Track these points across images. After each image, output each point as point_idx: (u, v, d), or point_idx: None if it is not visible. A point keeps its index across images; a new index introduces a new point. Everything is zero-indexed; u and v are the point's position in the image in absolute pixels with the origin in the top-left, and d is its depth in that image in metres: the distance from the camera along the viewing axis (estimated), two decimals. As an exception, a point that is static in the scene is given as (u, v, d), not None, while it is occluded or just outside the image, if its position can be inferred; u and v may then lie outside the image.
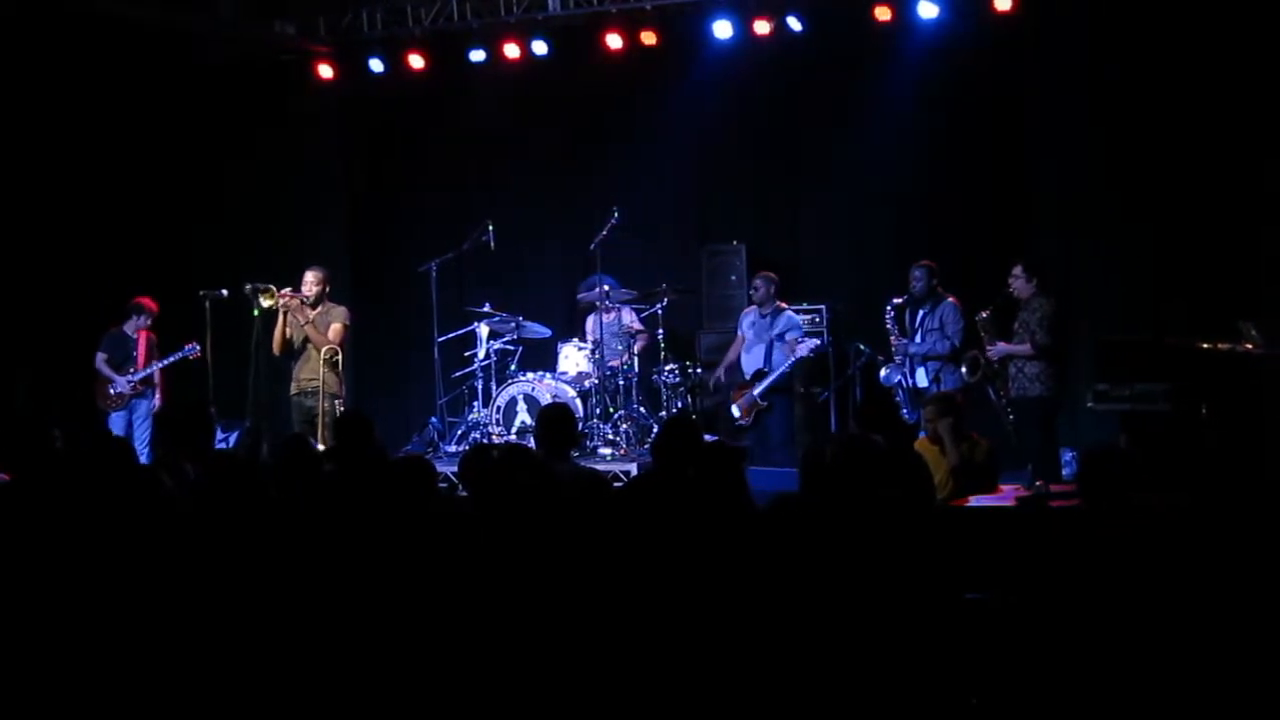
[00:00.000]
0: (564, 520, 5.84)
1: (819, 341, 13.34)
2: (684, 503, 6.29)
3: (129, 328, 13.76)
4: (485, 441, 13.35)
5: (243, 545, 5.85)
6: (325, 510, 6.25)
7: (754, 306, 13.48)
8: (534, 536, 5.64)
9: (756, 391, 13.08)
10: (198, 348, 13.51)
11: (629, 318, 14.32)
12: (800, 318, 13.49)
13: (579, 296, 14.63)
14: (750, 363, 13.33)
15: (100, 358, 13.71)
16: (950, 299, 12.12)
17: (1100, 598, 5.27)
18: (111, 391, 13.64)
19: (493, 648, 5.13)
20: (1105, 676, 4.98)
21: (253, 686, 5.26)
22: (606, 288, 14.02)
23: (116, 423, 13.50)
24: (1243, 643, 5.02)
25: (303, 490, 6.61)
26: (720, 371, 13.70)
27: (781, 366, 13.04)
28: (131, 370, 13.66)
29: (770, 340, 13.21)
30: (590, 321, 14.44)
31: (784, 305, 13.39)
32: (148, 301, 13.81)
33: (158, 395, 13.81)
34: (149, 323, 13.79)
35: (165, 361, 13.66)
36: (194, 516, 6.15)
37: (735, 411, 13.25)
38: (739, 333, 13.59)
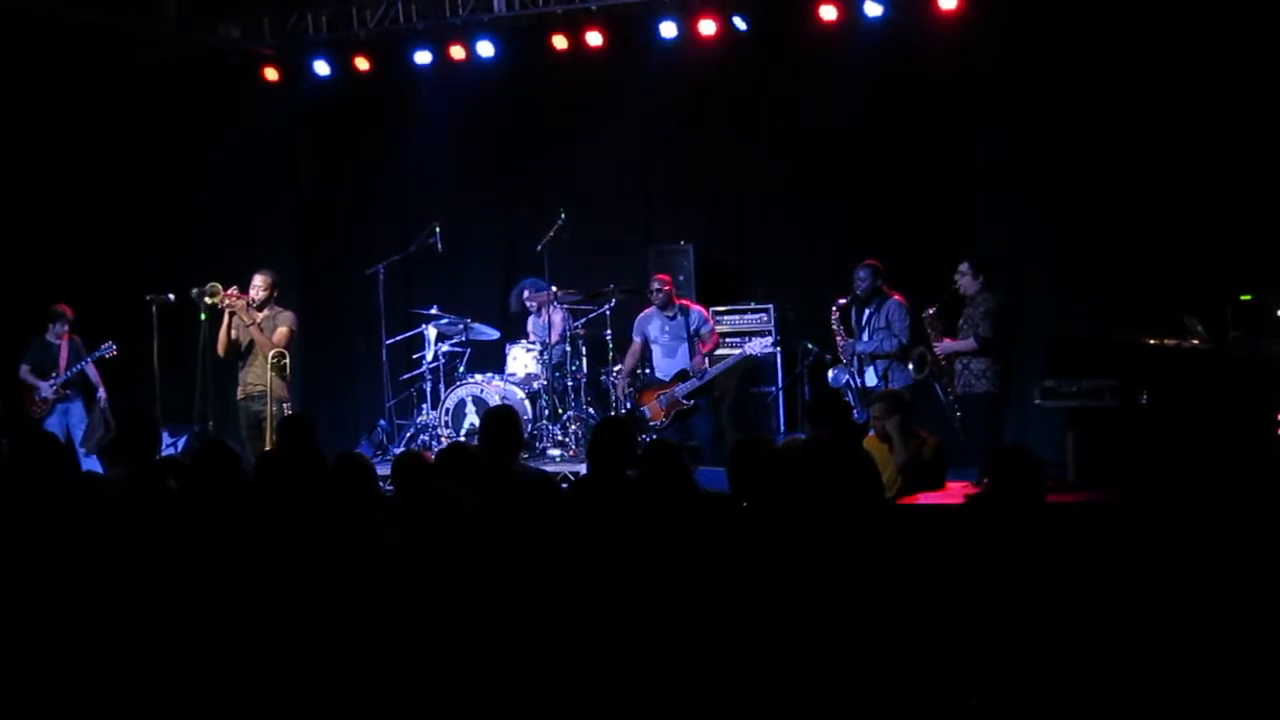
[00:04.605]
0: (508, 521, 5.82)
1: (774, 336, 13.30)
2: (622, 504, 6.27)
3: (51, 335, 13.67)
4: (420, 447, 13.38)
5: (188, 549, 5.83)
6: (246, 512, 6.20)
7: (653, 309, 13.38)
8: (477, 537, 5.62)
9: (680, 391, 13.02)
10: (114, 346, 13.49)
11: (558, 317, 14.23)
12: (708, 315, 13.43)
13: (522, 298, 14.51)
14: (671, 365, 13.21)
15: (24, 368, 13.65)
16: (895, 296, 12.12)
17: (1013, 595, 5.28)
18: (36, 398, 13.56)
19: (436, 650, 5.11)
20: (1040, 673, 5.00)
21: (195, 684, 5.24)
22: (554, 288, 13.99)
23: (52, 429, 13.39)
24: (1173, 637, 5.05)
25: (222, 493, 6.56)
26: (622, 382, 13.57)
27: (720, 366, 13.04)
28: (54, 375, 13.57)
29: (686, 340, 13.16)
30: (530, 323, 14.44)
31: (688, 302, 13.35)
32: (64, 307, 13.72)
33: (102, 391, 13.71)
34: (68, 327, 13.69)
35: (85, 363, 13.58)
36: (133, 518, 6.13)
37: (647, 413, 13.17)
38: (636, 339, 13.48)
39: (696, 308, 13.29)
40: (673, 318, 13.20)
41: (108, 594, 5.57)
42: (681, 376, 13.05)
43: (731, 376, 13.37)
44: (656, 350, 13.33)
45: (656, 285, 13.28)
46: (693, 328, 13.16)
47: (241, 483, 6.70)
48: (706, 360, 13.01)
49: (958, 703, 4.99)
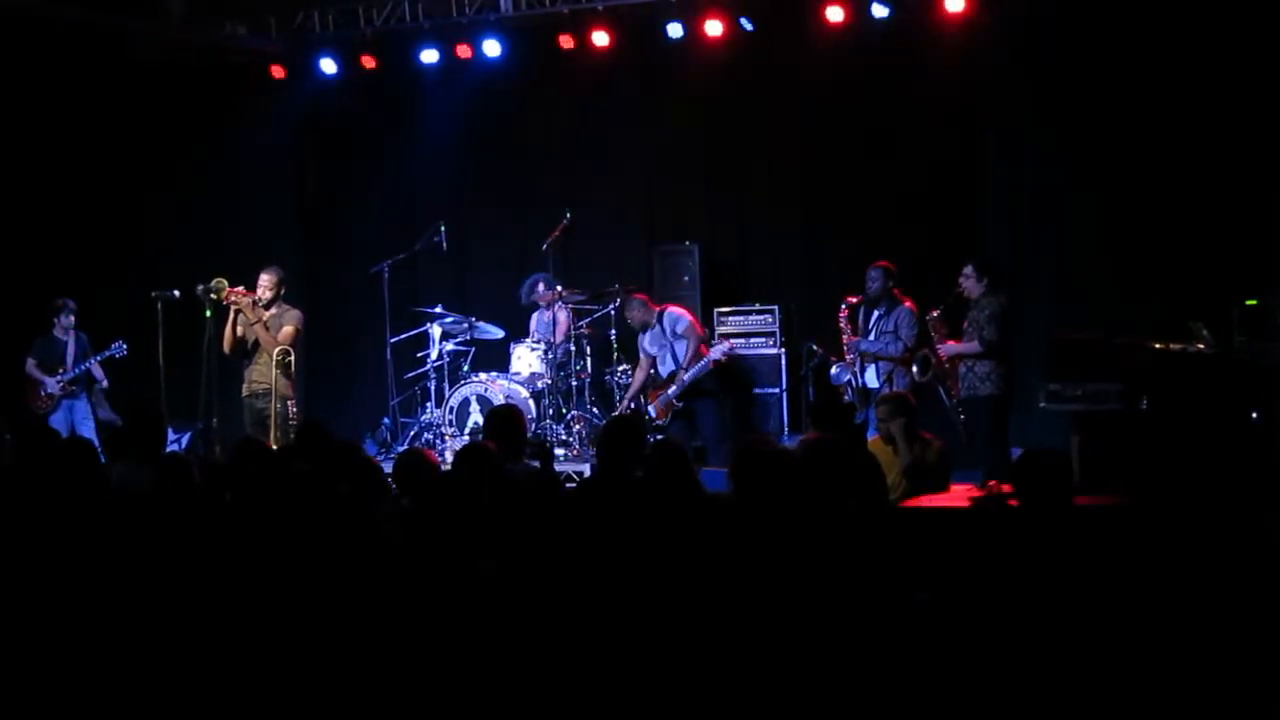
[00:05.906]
0: (515, 521, 5.82)
1: (728, 346, 13.19)
2: (631, 504, 6.26)
3: (58, 330, 13.67)
4: (421, 445, 13.38)
5: (197, 545, 5.83)
6: (294, 510, 6.19)
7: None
8: (484, 537, 5.62)
9: (671, 392, 12.99)
10: (124, 346, 13.49)
11: (563, 316, 14.24)
12: (683, 312, 13.30)
13: (534, 292, 14.48)
14: (663, 370, 13.19)
15: (30, 363, 13.64)
16: (907, 304, 12.01)
17: (1037, 598, 5.27)
18: (42, 394, 13.55)
19: (440, 649, 5.11)
20: (1048, 677, 5.00)
21: (218, 686, 5.25)
22: (560, 288, 13.99)
23: (56, 426, 13.38)
24: (1188, 638, 5.04)
25: (265, 491, 6.54)
26: (627, 403, 13.45)
27: (694, 370, 12.95)
28: (61, 371, 13.57)
29: (669, 342, 13.12)
30: (534, 320, 14.44)
31: (664, 306, 13.29)
32: (68, 300, 13.71)
33: (104, 383, 13.74)
34: (73, 319, 13.69)
35: (93, 361, 13.58)
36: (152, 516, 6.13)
37: (651, 411, 13.17)
38: (642, 356, 13.37)
39: (671, 309, 13.25)
40: (654, 327, 13.18)
41: (118, 595, 5.57)
42: (673, 378, 13.04)
43: (732, 377, 13.36)
44: (655, 359, 13.34)
45: (629, 313, 13.32)
46: (668, 330, 13.12)
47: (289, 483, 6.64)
48: (684, 372, 12.93)
49: (960, 703, 5.00)
